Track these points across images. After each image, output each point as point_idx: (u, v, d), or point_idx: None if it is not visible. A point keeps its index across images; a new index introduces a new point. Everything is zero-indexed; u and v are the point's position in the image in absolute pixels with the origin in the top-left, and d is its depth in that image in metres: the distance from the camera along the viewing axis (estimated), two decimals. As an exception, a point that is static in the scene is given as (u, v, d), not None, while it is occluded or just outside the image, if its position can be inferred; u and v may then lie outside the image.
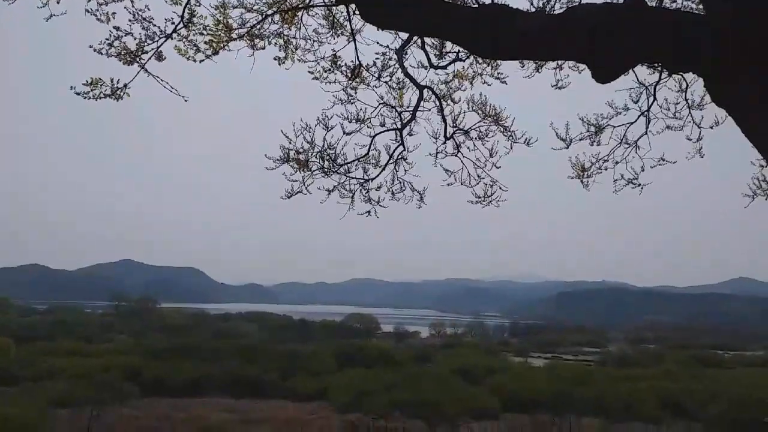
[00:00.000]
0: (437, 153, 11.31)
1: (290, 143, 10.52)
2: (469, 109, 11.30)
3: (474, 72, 10.46)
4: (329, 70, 8.58)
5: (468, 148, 11.49)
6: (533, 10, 7.57)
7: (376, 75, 9.35)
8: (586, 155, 10.93)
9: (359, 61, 8.54)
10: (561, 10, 8.13)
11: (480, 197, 11.24)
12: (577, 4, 7.64)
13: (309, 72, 8.44)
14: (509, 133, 11.02)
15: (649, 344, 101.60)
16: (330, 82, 8.70)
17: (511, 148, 11.19)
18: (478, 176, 11.47)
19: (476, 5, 6.86)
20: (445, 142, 11.12)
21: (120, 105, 7.35)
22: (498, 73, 9.89)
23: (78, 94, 7.01)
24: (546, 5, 7.92)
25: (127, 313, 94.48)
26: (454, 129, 11.18)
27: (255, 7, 7.78)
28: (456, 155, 11.35)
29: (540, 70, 10.28)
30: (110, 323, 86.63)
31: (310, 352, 51.02)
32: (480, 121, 11.29)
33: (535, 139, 10.74)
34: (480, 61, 10.51)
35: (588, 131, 10.88)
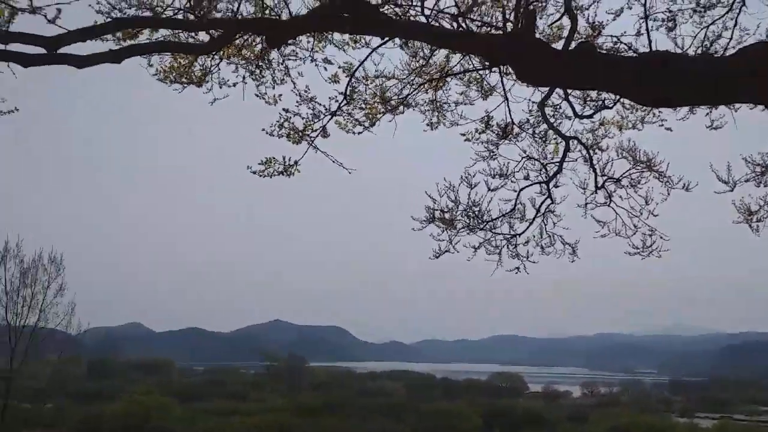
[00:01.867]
0: (587, 204, 10.91)
1: (435, 203, 10.60)
2: (618, 156, 10.85)
3: (623, 119, 10.05)
4: (482, 131, 8.60)
5: (620, 197, 10.98)
6: (693, 53, 7.25)
7: (520, 130, 9.25)
8: (752, 197, 10.10)
9: (511, 119, 8.50)
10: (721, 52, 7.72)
11: (638, 248, 10.62)
12: (740, 45, 7.21)
13: (461, 134, 8.50)
14: (665, 179, 10.41)
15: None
16: (483, 142, 8.71)
17: (668, 194, 10.57)
18: (635, 226, 10.90)
19: (635, 54, 6.65)
20: (595, 192, 10.69)
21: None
22: (658, 118, 9.37)
23: (254, 173, 7.49)
24: (708, 48, 7.51)
25: (277, 372, 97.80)
26: (605, 178, 10.74)
27: (408, 79, 8.03)
28: (608, 205, 10.88)
29: (694, 111, 9.69)
30: (262, 382, 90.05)
31: (456, 411, 50.04)
32: (631, 168, 10.78)
33: (695, 183, 10.12)
34: (628, 106, 10.09)
35: (753, 172, 10.05)
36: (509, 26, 8.18)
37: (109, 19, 5.78)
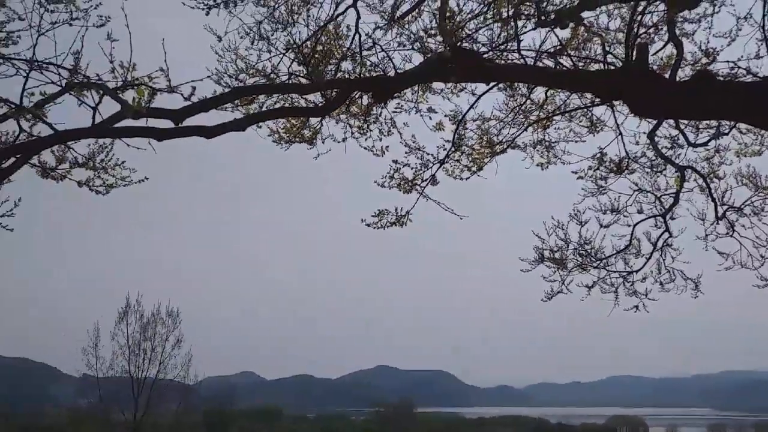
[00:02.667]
0: (707, 235, 10.35)
1: (543, 243, 10.38)
2: (737, 183, 10.27)
3: (742, 145, 9.53)
4: (595, 168, 8.42)
5: (743, 226, 10.36)
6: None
7: (636, 164, 8.97)
8: None
9: (626, 154, 8.27)
10: None
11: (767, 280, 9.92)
12: None
13: (573, 173, 8.35)
14: (792, 204, 9.73)
15: None
16: (598, 179, 8.51)
17: (797, 219, 9.85)
18: (761, 256, 10.21)
19: (756, 77, 6.36)
20: (716, 223, 10.14)
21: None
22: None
23: (368, 225, 7.67)
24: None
25: (386, 418, 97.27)
26: (725, 207, 10.18)
27: (513, 120, 8.04)
28: (731, 236, 10.27)
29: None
30: (372, 429, 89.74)
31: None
32: (753, 196, 10.17)
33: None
34: (745, 131, 9.57)
35: None
36: (609, 59, 8.06)
37: (228, 89, 6.16)
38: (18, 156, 5.36)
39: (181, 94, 5.38)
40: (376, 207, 8.16)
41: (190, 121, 5.51)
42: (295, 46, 6.46)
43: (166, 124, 5.42)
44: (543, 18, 7.12)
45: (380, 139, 7.63)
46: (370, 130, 7.60)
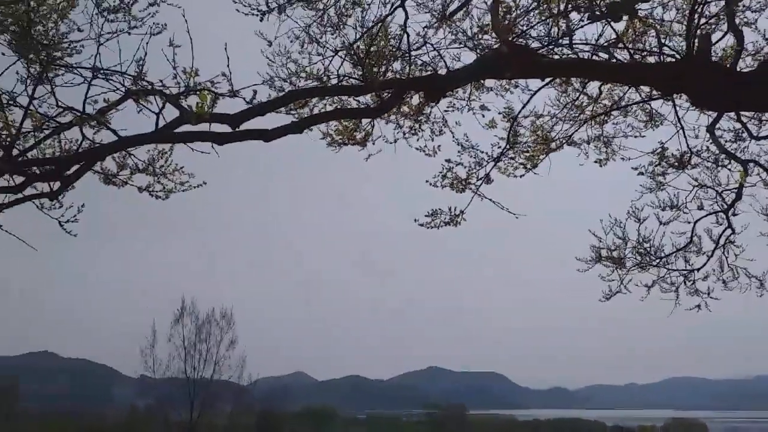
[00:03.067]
0: (773, 231, 9.94)
1: (600, 241, 10.14)
2: (804, 176, 9.84)
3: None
4: (656, 163, 8.19)
5: (814, 220, 9.92)
6: None
7: (698, 158, 8.69)
8: None
9: (688, 148, 8.03)
10: None
11: (838, 274, 9.48)
12: None
13: (633, 168, 8.15)
14: None
15: None
16: (657, 175, 8.29)
17: None
18: (834, 251, 9.76)
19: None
20: (781, 218, 9.73)
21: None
22: None
23: (422, 225, 7.65)
24: None
25: (438, 420, 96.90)
26: (793, 201, 9.76)
27: (567, 116, 7.90)
28: (799, 230, 9.84)
29: None
30: (425, 431, 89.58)
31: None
32: (823, 188, 9.73)
33: None
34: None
35: None
36: (665, 51, 7.83)
37: (280, 92, 6.23)
38: (82, 162, 5.52)
39: (243, 98, 5.46)
40: (416, 207, 8.14)
41: (246, 126, 5.58)
42: (348, 47, 6.47)
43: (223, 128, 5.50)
44: (596, 11, 6.96)
45: (432, 139, 7.60)
46: (422, 130, 7.59)
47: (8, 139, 4.98)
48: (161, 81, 5.22)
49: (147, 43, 5.01)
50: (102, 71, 5.14)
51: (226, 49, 5.02)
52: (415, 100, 7.32)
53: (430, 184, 7.77)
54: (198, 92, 5.14)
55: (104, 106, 5.35)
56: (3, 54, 5.14)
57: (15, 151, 5.00)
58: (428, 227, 7.66)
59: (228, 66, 5.15)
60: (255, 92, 5.43)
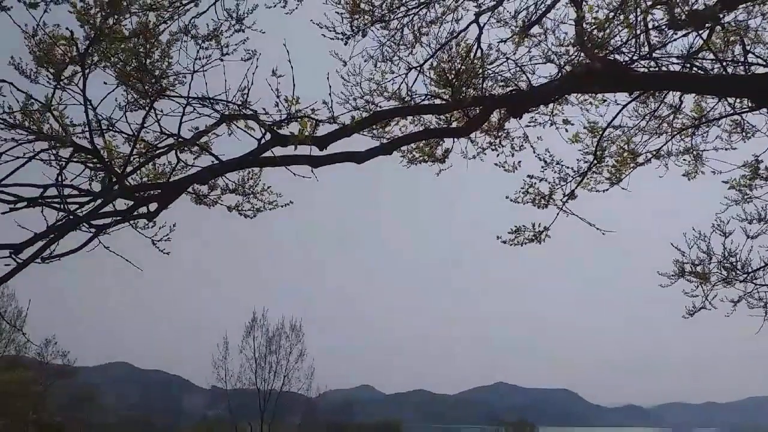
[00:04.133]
0: None
1: (684, 256, 9.83)
2: None
3: None
4: (751, 177, 7.91)
5: None
6: None
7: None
8: None
9: (787, 162, 7.72)
10: None
11: None
12: None
13: (724, 182, 7.89)
14: None
15: None
16: (743, 186, 8.01)
17: None
18: None
19: None
20: None
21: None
22: None
23: (504, 242, 7.63)
24: None
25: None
26: None
27: (660, 130, 7.73)
28: None
29: None
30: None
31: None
32: None
33: None
34: None
35: None
36: (751, 59, 7.55)
37: (355, 111, 6.37)
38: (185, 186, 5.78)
39: (342, 124, 5.60)
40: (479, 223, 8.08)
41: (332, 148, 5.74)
42: (432, 66, 6.54)
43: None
44: (677, 19, 6.80)
45: (512, 155, 7.56)
46: (502, 146, 7.57)
47: (121, 166, 5.27)
48: (264, 109, 5.42)
49: (254, 73, 5.22)
50: (209, 100, 5.38)
51: (328, 78, 5.17)
52: (495, 116, 7.33)
53: (511, 200, 7.72)
54: (299, 119, 5.30)
55: (201, 131, 5.58)
56: (105, 83, 5.46)
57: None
58: (511, 244, 7.61)
59: (330, 94, 5.30)
60: (353, 118, 5.56)
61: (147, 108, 5.28)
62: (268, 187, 6.41)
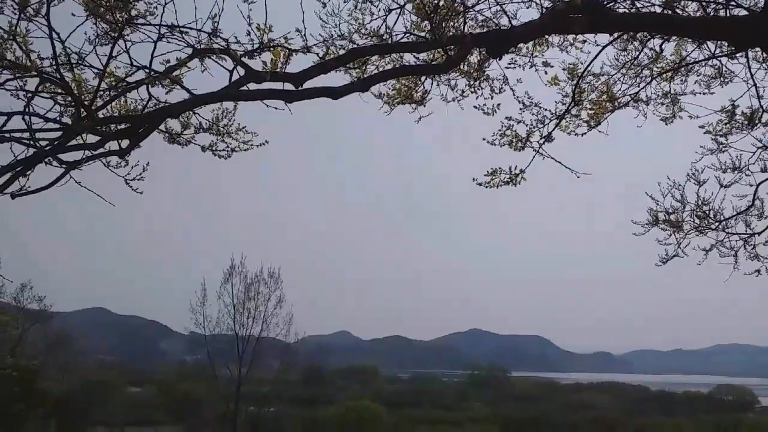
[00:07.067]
0: (839, 195, 9.61)
1: (658, 205, 9.94)
2: None
3: None
4: (726, 121, 7.93)
5: None
6: None
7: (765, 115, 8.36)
8: None
9: (760, 105, 7.75)
10: None
11: None
12: None
13: (700, 127, 7.92)
14: None
15: None
16: (725, 134, 8.04)
17: None
18: None
19: None
20: None
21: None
22: None
23: (480, 184, 7.60)
24: None
25: (479, 382, 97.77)
26: None
27: (636, 73, 7.68)
28: None
29: None
30: (465, 392, 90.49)
31: (675, 427, 46.49)
32: None
33: None
34: None
35: None
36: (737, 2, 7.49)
37: (343, 51, 6.21)
38: (154, 120, 5.63)
39: (317, 54, 5.47)
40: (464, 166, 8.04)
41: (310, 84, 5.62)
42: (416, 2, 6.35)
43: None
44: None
45: (491, 97, 7.47)
46: (482, 88, 7.48)
47: (88, 98, 5.10)
48: (236, 37, 5.25)
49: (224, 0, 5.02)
50: (178, 28, 5.19)
51: (301, 3, 5.00)
52: (474, 57, 7.22)
53: (488, 142, 7.68)
54: (272, 49, 5.16)
55: (174, 65, 5.41)
56: (74, 14, 5.25)
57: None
58: (487, 186, 7.60)
59: (303, 21, 5.14)
60: (328, 47, 5.43)
61: (115, 36, 5.08)
62: (243, 127, 6.29)
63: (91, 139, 5.14)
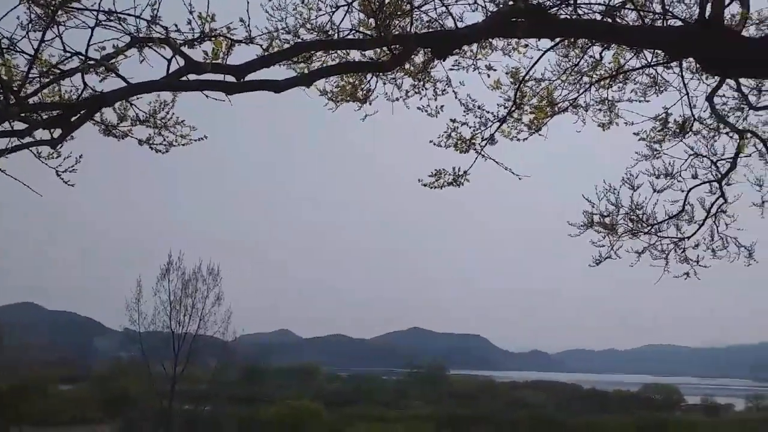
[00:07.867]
0: (764, 202, 10.08)
1: (593, 207, 10.20)
2: (799, 149, 9.90)
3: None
4: (659, 129, 8.19)
5: (804, 192, 10.03)
6: None
7: (701, 125, 8.70)
8: None
9: (692, 114, 8.04)
10: None
11: (827, 249, 9.66)
12: None
13: (635, 134, 8.15)
14: None
15: None
16: (653, 142, 8.31)
17: None
18: (820, 226, 9.91)
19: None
20: (774, 189, 9.82)
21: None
22: None
23: (425, 185, 7.63)
24: None
25: (419, 380, 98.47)
26: (785, 174, 9.84)
27: (572, 79, 7.85)
28: (789, 203, 9.96)
29: None
30: (405, 390, 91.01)
31: (607, 424, 47.97)
32: (816, 161, 9.81)
33: None
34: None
35: None
36: (674, 14, 7.74)
37: (288, 45, 6.12)
38: (86, 109, 5.41)
39: (260, 46, 5.36)
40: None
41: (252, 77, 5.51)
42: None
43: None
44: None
45: (435, 98, 7.52)
46: (425, 89, 7.52)
47: (17, 84, 4.86)
48: (176, 25, 5.09)
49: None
50: (116, 14, 5.00)
51: None
52: (419, 58, 7.25)
53: (435, 144, 7.74)
54: (213, 38, 5.04)
55: (111, 52, 5.22)
56: (4, -5, 5.00)
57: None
58: (431, 187, 7.66)
59: (247, 11, 5.03)
60: (272, 39, 5.33)
61: (48, 21, 4.87)
62: (182, 120, 6.12)
63: (21, 127, 4.92)
